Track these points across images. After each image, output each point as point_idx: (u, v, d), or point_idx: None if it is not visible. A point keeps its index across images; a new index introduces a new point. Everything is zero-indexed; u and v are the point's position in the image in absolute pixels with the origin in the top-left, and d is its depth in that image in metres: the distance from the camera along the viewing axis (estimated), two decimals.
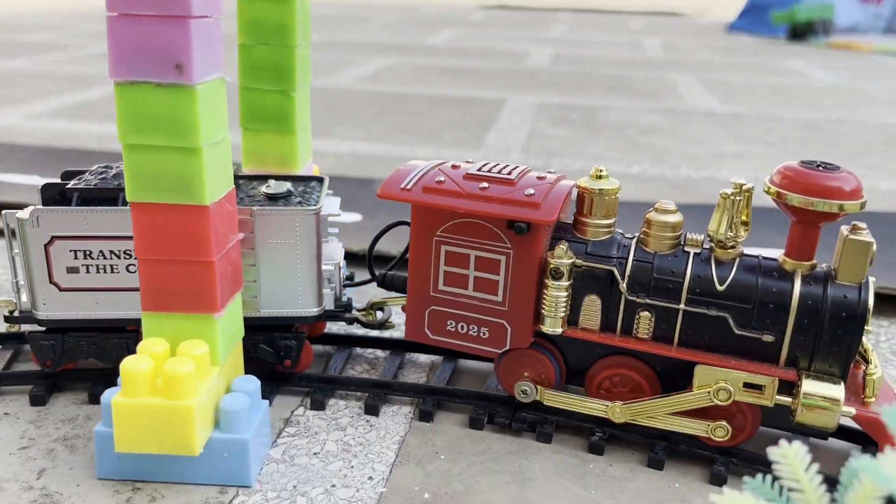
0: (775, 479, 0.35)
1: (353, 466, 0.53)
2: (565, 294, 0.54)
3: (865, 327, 0.50)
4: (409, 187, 0.55)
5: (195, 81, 0.45)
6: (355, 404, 0.61)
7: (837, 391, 0.49)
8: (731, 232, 0.52)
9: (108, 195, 0.57)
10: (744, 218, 0.52)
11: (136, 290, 0.57)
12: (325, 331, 0.70)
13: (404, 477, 0.52)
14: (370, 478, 0.52)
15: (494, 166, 0.56)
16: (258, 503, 0.49)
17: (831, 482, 0.35)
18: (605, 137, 1.60)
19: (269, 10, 0.64)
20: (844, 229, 0.50)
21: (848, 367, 0.51)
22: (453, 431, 0.58)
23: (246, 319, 0.57)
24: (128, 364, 0.47)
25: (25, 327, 0.62)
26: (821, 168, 0.50)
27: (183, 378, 0.46)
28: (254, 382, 0.53)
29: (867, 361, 0.52)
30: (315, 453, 0.55)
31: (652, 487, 0.52)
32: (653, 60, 2.99)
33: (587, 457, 0.56)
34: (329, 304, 0.61)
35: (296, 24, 0.64)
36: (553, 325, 0.55)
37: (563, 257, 0.53)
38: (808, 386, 0.50)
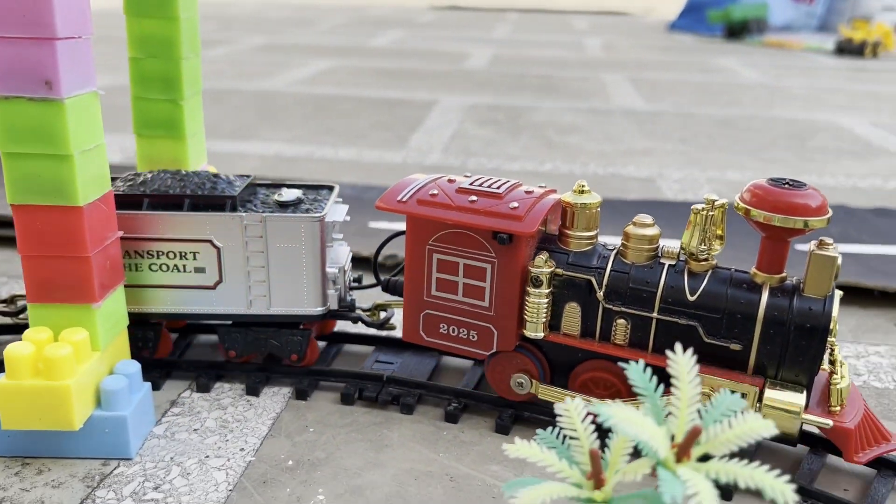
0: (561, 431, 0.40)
1: (227, 440, 0.59)
2: (546, 301, 0.57)
3: (829, 338, 0.52)
4: (404, 200, 0.59)
5: (64, 96, 0.50)
6: (239, 387, 0.67)
7: (799, 399, 0.52)
8: (704, 246, 0.54)
9: (133, 200, 0.63)
10: (718, 232, 0.55)
11: (157, 286, 0.63)
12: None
13: (273, 447, 0.58)
14: (242, 449, 0.58)
15: (486, 181, 0.59)
16: (137, 473, 0.55)
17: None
18: (525, 137, 1.68)
19: (156, 27, 0.69)
20: (812, 244, 0.52)
21: (813, 376, 0.52)
22: (325, 407, 0.64)
23: (256, 316, 0.64)
24: (11, 350, 0.52)
25: None
26: (787, 186, 0.52)
27: (61, 361, 0.52)
28: (135, 366, 0.58)
29: (836, 371, 0.54)
30: (195, 429, 0.60)
31: (494, 449, 0.59)
32: (589, 60, 3.08)
33: (443, 425, 0.62)
34: (333, 304, 0.66)
35: (181, 38, 0.69)
36: (535, 330, 0.58)
37: (542, 266, 0.57)
38: (770, 393, 0.52)
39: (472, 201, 0.58)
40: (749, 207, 0.52)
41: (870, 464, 0.55)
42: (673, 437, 0.37)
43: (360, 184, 1.26)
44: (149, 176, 0.65)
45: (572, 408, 0.40)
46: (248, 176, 0.68)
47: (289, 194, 0.66)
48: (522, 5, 6.42)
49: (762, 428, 0.37)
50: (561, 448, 0.42)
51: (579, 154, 1.54)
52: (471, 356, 0.62)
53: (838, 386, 0.53)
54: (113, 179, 0.65)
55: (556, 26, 4.73)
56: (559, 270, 0.57)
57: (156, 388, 0.65)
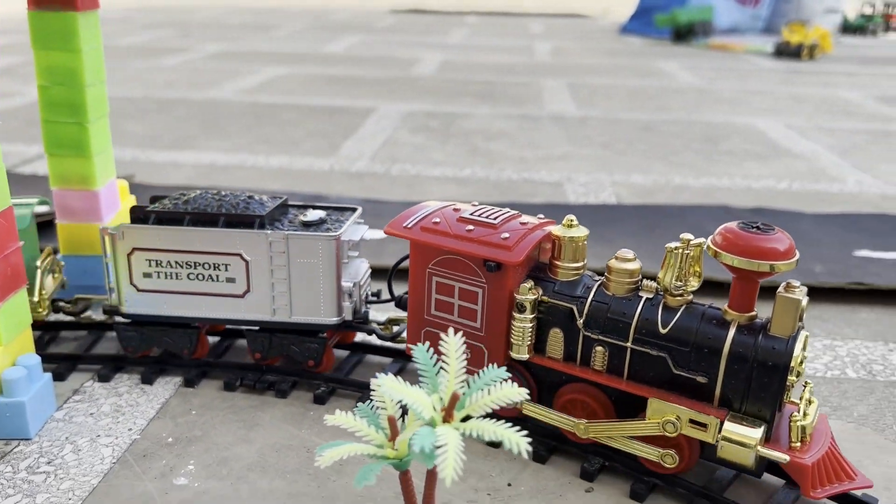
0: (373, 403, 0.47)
1: (118, 422, 0.68)
2: (530, 325, 0.61)
3: (790, 377, 0.54)
4: (409, 226, 0.65)
5: None
6: (136, 378, 0.76)
7: (755, 433, 0.54)
8: (680, 282, 0.57)
9: (176, 217, 0.72)
10: (696, 269, 0.57)
11: (195, 293, 0.73)
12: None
13: (157, 427, 0.67)
14: (129, 429, 0.67)
15: (488, 212, 0.64)
16: (34, 451, 0.64)
17: None
18: (453, 144, 1.77)
19: (61, 58, 0.78)
20: (781, 287, 0.55)
21: (773, 411, 0.55)
22: (210, 394, 0.73)
23: (279, 323, 0.73)
24: None
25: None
26: (756, 230, 0.55)
27: None
28: (35, 359, 0.67)
29: (799, 409, 0.56)
30: (91, 413, 0.69)
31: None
32: (535, 65, 3.18)
33: (311, 407, 0.71)
34: (348, 316, 0.73)
35: (84, 68, 0.78)
36: (519, 352, 0.62)
37: (526, 294, 0.61)
38: (728, 426, 0.55)
39: (469, 230, 0.63)
40: (718, 250, 0.55)
41: (837, 500, 0.58)
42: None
43: (285, 191, 1.35)
44: (192, 196, 0.74)
45: (383, 382, 0.48)
46: (281, 197, 0.76)
47: (313, 215, 0.73)
48: (483, 7, 6.52)
49: (514, 394, 0.47)
50: (372, 417, 0.51)
51: (499, 160, 1.64)
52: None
53: (799, 423, 0.54)
54: (162, 198, 0.75)
55: (512, 29, 4.84)
56: (545, 298, 0.61)
57: (61, 379, 0.74)
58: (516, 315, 0.61)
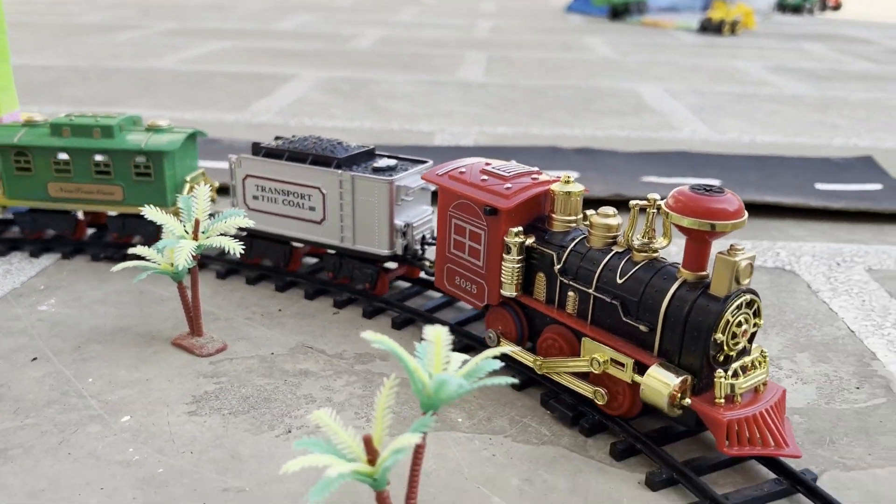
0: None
1: (6, 279, 0.92)
2: (517, 266, 0.67)
3: (717, 334, 0.56)
4: (440, 174, 0.74)
5: None
6: (29, 256, 1.00)
7: (670, 379, 0.57)
8: (646, 239, 0.61)
9: (277, 153, 0.88)
10: (665, 230, 0.60)
11: (287, 216, 0.88)
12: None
13: (34, 282, 0.92)
14: (13, 282, 0.91)
15: (509, 167, 0.71)
16: None
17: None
18: (356, 103, 2.00)
19: None
20: (727, 249, 0.57)
21: (701, 364, 0.57)
22: (267, 293, 0.97)
23: (344, 249, 0.86)
24: None
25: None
26: (707, 192, 0.57)
27: None
28: None
29: (754, 366, 0.59)
30: None
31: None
32: (468, 40, 3.40)
33: (359, 322, 0.95)
34: (398, 250, 0.84)
35: None
36: (508, 290, 0.68)
37: (512, 238, 0.67)
38: (653, 370, 0.58)
39: (483, 180, 0.70)
40: (669, 212, 0.58)
41: (782, 474, 0.58)
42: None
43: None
44: (299, 138, 0.89)
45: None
46: (369, 146, 0.89)
47: (385, 162, 0.85)
48: None
49: (491, 354, 0.46)
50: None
51: (391, 116, 1.87)
52: (473, 305, 0.74)
53: (722, 380, 0.57)
54: (279, 138, 0.91)
55: (464, 10, 5.05)
56: (532, 244, 0.67)
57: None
58: (505, 256, 0.68)
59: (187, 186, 0.96)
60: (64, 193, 0.99)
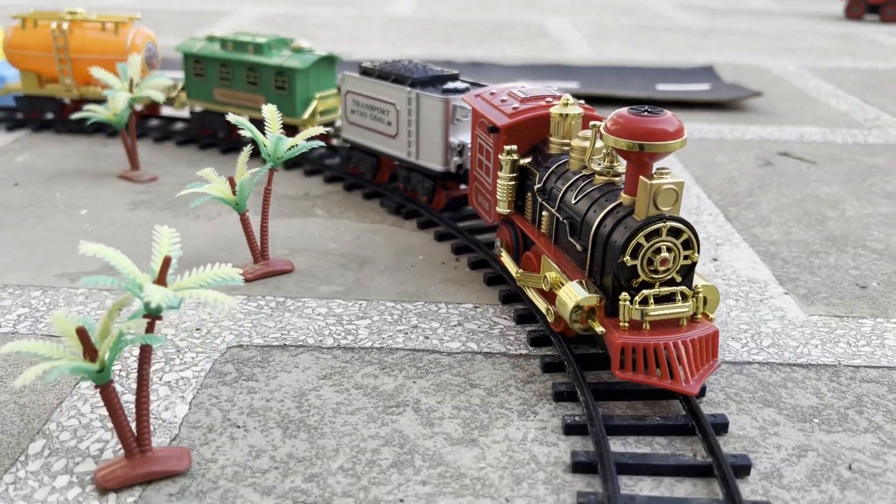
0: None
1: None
2: (509, 185, 0.70)
3: (626, 258, 0.56)
4: (475, 95, 0.77)
5: None
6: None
7: (577, 294, 0.58)
8: (607, 162, 0.62)
9: (370, 72, 0.98)
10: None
11: (372, 130, 0.98)
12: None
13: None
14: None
15: (534, 91, 0.72)
16: None
17: None
18: (291, 32, 2.24)
19: None
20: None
21: (610, 286, 0.58)
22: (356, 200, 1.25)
23: (410, 163, 0.94)
24: None
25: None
26: (646, 113, 0.55)
27: None
28: None
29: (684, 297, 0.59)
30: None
31: None
32: None
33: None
34: (452, 168, 0.89)
35: None
36: (501, 207, 0.71)
37: (504, 155, 0.69)
38: (568, 285, 0.60)
39: (502, 101, 0.72)
40: (606, 134, 0.56)
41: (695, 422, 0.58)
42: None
43: None
44: (394, 61, 1.00)
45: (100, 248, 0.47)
46: (453, 72, 0.95)
47: (455, 84, 0.89)
48: None
49: (227, 273, 0.51)
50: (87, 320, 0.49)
51: (311, 37, 2.11)
52: (486, 222, 0.79)
53: (627, 304, 0.57)
54: (374, 62, 1.02)
55: None
56: (523, 163, 0.69)
57: None
58: (498, 174, 0.70)
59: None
60: (224, 98, 1.19)
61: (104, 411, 0.59)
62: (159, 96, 1.06)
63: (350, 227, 0.96)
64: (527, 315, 0.74)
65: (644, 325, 0.57)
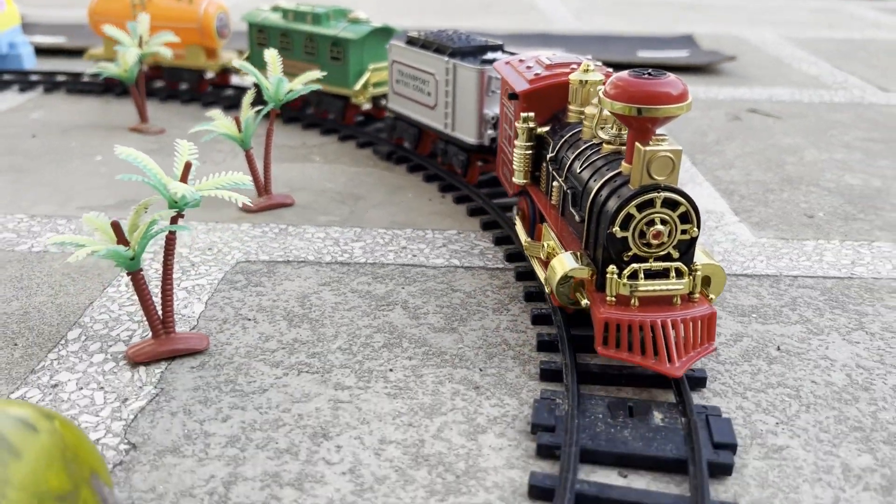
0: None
1: None
2: (525, 153, 0.67)
3: (614, 228, 0.53)
4: (505, 62, 0.75)
5: None
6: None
7: (566, 265, 0.56)
8: (615, 130, 0.59)
9: (414, 41, 0.96)
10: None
11: (413, 100, 0.96)
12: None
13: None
14: None
15: (562, 59, 0.70)
16: None
17: None
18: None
19: None
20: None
21: (600, 258, 0.55)
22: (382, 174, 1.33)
23: (446, 135, 0.92)
24: None
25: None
26: (648, 76, 0.52)
27: None
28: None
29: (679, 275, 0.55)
30: None
31: None
32: None
33: (433, 195, 1.30)
34: (486, 141, 0.86)
35: None
36: (517, 177, 0.69)
37: (520, 123, 0.66)
38: (560, 255, 0.58)
39: (528, 68, 0.70)
40: (605, 99, 0.53)
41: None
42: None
43: None
44: (439, 31, 0.97)
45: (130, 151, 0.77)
46: (496, 42, 0.91)
47: (496, 56, 0.86)
48: None
49: (238, 179, 0.61)
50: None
51: None
52: (508, 193, 0.79)
53: (614, 278, 0.54)
54: (422, 32, 0.98)
55: None
56: (541, 131, 0.66)
57: None
58: (515, 142, 0.68)
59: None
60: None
61: (131, 308, 0.68)
62: (167, 52, 1.14)
63: (345, 170, 1.05)
64: (504, 238, 0.83)
65: (633, 301, 0.54)
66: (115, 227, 0.58)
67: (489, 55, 0.87)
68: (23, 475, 0.34)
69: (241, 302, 0.70)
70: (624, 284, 0.54)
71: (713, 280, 0.57)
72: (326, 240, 0.83)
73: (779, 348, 0.65)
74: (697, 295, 0.56)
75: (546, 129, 0.67)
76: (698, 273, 0.55)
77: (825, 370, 0.62)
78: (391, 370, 0.60)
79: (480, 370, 0.61)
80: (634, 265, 0.54)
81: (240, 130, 0.87)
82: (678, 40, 1.99)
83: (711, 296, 0.57)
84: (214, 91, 1.40)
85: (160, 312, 0.61)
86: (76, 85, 1.40)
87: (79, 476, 0.37)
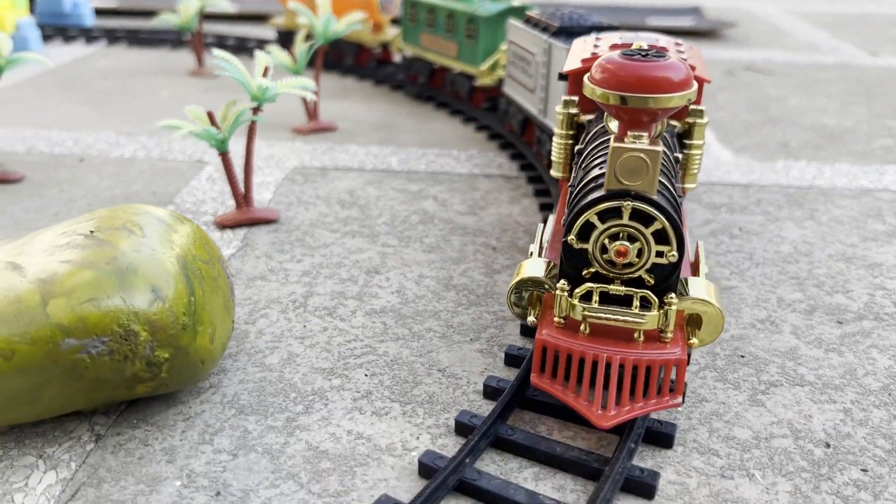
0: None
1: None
2: (563, 143, 0.60)
3: (570, 237, 0.46)
4: (582, 40, 0.69)
5: None
6: None
7: (523, 271, 0.50)
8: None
9: (528, 21, 0.89)
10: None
11: (519, 83, 0.90)
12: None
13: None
14: None
15: (637, 37, 0.65)
16: None
17: None
18: None
19: None
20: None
21: (563, 272, 0.48)
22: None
23: (538, 121, 0.85)
24: None
25: None
26: (639, 56, 0.44)
27: None
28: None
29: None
30: None
31: None
32: None
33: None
34: None
35: None
36: (555, 170, 0.62)
37: (560, 108, 0.60)
38: (526, 261, 0.51)
39: (595, 46, 0.64)
40: (592, 86, 0.45)
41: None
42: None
43: None
44: (557, 9, 0.88)
45: (224, 53, 1.10)
46: (610, 24, 0.85)
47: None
48: None
49: (305, 83, 0.91)
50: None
51: None
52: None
53: (562, 295, 0.47)
54: (546, 11, 0.90)
55: None
56: (583, 119, 0.60)
57: None
58: (555, 129, 0.61)
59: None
60: (427, 44, 1.17)
61: (212, 194, 0.84)
62: (226, 5, 1.28)
63: (380, 107, 1.20)
64: (518, 154, 0.99)
65: (583, 327, 0.47)
66: (210, 116, 0.73)
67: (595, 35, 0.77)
68: (181, 241, 0.50)
69: (302, 192, 0.86)
70: (573, 305, 0.46)
71: (704, 322, 0.48)
72: (367, 154, 0.99)
73: (740, 229, 0.79)
74: (670, 335, 0.46)
75: (590, 117, 0.60)
76: (673, 308, 0.46)
77: (776, 244, 0.76)
78: (426, 237, 0.76)
79: (497, 238, 0.76)
80: (592, 285, 0.46)
81: (294, 62, 1.02)
82: (685, 10, 2.12)
83: (694, 340, 0.48)
84: (377, 67, 1.38)
85: (242, 188, 0.76)
86: (135, 38, 1.59)
87: (213, 254, 0.52)
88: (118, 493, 0.43)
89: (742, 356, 0.58)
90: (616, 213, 0.45)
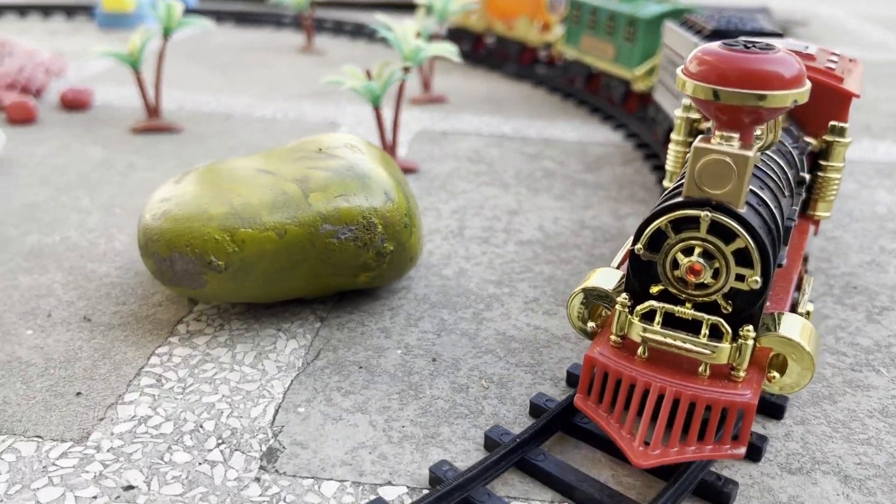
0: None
1: None
2: (677, 150, 0.58)
3: (637, 246, 0.41)
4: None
5: None
6: None
7: (590, 280, 0.45)
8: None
9: (684, 24, 0.84)
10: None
11: (668, 90, 0.88)
12: None
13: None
14: None
15: (818, 51, 0.60)
16: None
17: None
18: None
19: None
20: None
21: (631, 286, 0.43)
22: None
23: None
24: None
25: None
26: (743, 48, 0.39)
27: None
28: None
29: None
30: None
31: None
32: None
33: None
34: None
35: None
36: (668, 181, 0.59)
37: (679, 111, 0.56)
38: (600, 269, 0.46)
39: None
40: (686, 80, 0.39)
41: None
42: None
43: None
44: (724, 11, 0.97)
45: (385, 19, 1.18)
46: (775, 31, 0.78)
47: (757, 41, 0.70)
48: None
49: (447, 49, 1.06)
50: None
51: None
52: None
53: (621, 311, 0.42)
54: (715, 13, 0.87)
55: None
56: (704, 125, 0.55)
57: None
58: (671, 136, 0.58)
59: None
60: (587, 46, 1.14)
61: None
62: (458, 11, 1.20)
63: (486, 85, 1.31)
64: (622, 125, 1.08)
65: (641, 350, 0.42)
66: (367, 74, 0.82)
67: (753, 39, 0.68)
68: (384, 160, 0.59)
69: (431, 151, 0.96)
70: (631, 323, 0.42)
71: (789, 366, 0.41)
72: (481, 123, 1.09)
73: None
74: (742, 373, 0.41)
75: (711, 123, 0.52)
76: (749, 342, 0.40)
77: (871, 205, 0.85)
78: (552, 188, 0.85)
79: (616, 192, 0.84)
80: (657, 304, 0.41)
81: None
82: (754, 10, 2.18)
83: (777, 385, 0.42)
84: (533, 66, 1.37)
85: (389, 138, 0.85)
86: (242, 18, 1.74)
87: (400, 178, 0.61)
88: (352, 356, 0.53)
89: (854, 287, 0.65)
90: (693, 223, 0.40)
